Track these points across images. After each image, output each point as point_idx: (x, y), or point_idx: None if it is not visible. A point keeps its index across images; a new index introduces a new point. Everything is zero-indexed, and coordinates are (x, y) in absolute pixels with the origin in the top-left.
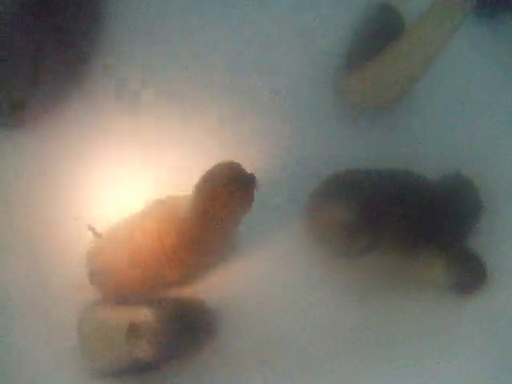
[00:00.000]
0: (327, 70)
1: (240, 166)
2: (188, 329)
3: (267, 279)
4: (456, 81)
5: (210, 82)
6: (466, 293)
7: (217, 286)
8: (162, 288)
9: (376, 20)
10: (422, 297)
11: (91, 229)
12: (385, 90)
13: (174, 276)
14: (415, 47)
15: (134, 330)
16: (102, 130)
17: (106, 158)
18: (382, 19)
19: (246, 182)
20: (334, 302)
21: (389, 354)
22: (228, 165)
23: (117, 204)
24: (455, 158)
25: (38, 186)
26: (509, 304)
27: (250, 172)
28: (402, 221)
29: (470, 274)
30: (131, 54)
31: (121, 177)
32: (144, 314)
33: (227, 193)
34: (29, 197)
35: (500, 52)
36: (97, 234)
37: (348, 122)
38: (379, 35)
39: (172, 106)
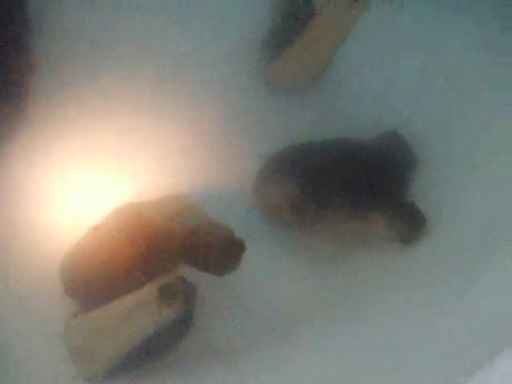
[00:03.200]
0: (250, 56)
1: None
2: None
3: None
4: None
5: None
6: (408, 242)
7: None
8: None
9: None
10: (372, 252)
11: None
12: (304, 72)
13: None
14: (323, 32)
15: (166, 290)
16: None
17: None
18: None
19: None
20: (298, 274)
21: (357, 311)
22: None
23: (84, 211)
24: (387, 120)
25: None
26: (449, 249)
27: (240, 239)
28: (343, 185)
29: (408, 224)
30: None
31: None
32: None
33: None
34: None
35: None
36: None
37: (278, 103)
38: (291, 19)
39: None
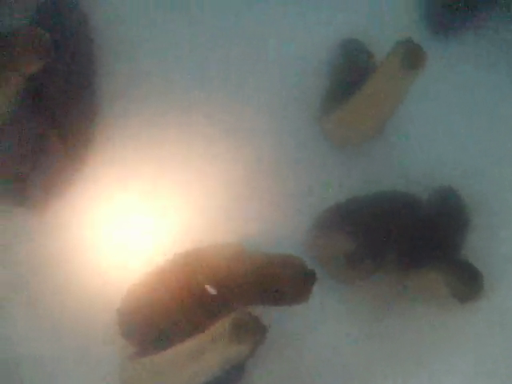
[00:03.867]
0: (309, 107)
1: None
2: None
3: None
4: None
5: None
6: (466, 300)
7: None
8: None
9: (346, 58)
10: (427, 310)
11: None
12: (361, 128)
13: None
14: (381, 91)
15: (241, 325)
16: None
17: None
18: (351, 57)
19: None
20: (345, 325)
21: (402, 368)
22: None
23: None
24: (441, 174)
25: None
26: (507, 303)
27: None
28: (398, 241)
29: (466, 282)
30: None
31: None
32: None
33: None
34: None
35: (468, 69)
36: None
37: (334, 156)
38: (350, 74)
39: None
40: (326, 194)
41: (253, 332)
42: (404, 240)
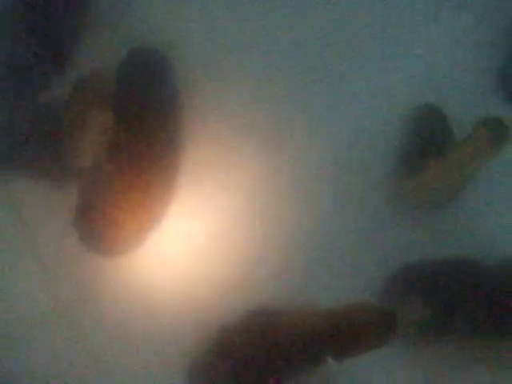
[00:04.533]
0: (381, 168)
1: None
2: None
3: None
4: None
5: None
6: None
7: None
8: None
9: (422, 121)
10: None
11: None
12: (438, 193)
13: None
14: (464, 161)
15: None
16: None
17: None
18: (428, 122)
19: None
20: None
21: None
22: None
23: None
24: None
25: None
26: None
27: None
28: (469, 307)
29: None
30: None
31: None
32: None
33: None
34: None
35: None
36: None
37: (409, 219)
38: (426, 137)
39: None
40: (397, 256)
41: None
42: (475, 307)
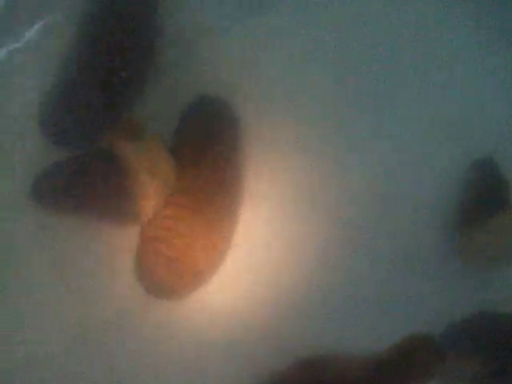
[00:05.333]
0: (439, 222)
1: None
2: None
3: None
4: None
5: None
6: None
7: None
8: None
9: (482, 176)
10: None
11: None
12: (497, 252)
13: None
14: None
15: None
16: None
17: None
18: (486, 176)
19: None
20: None
21: None
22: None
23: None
24: None
25: None
26: None
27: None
28: None
29: None
30: None
31: None
32: None
33: None
34: None
35: None
36: None
37: (464, 277)
38: (486, 192)
39: None
40: (454, 310)
41: None
42: None
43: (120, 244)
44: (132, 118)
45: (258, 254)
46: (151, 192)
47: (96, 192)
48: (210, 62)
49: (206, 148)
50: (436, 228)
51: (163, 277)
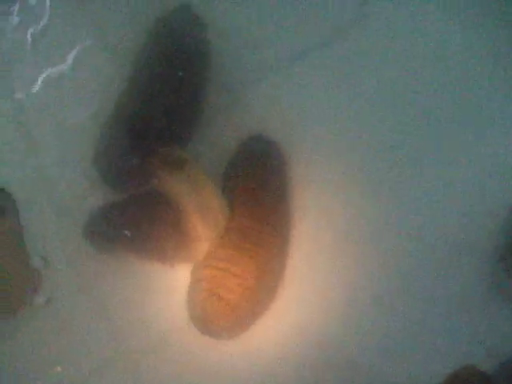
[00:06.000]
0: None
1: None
2: None
3: None
4: None
5: None
6: None
7: None
8: None
9: None
10: None
11: None
12: None
13: None
14: None
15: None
16: None
17: None
18: None
19: None
20: None
21: None
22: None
23: None
24: None
25: None
26: None
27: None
28: None
29: None
30: None
31: None
32: None
33: None
34: None
35: None
36: None
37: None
38: None
39: None
40: (497, 347)
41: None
42: None
43: (169, 283)
44: (185, 159)
45: (307, 293)
46: (203, 233)
47: (148, 233)
48: (257, 105)
49: (255, 187)
50: (489, 271)
51: (216, 317)
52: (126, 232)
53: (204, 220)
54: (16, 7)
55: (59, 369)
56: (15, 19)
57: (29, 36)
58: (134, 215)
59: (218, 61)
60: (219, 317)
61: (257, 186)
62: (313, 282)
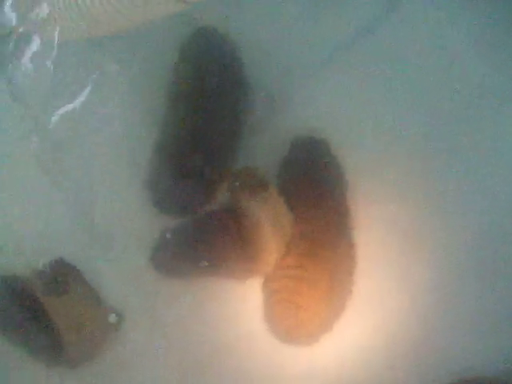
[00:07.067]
0: None
1: None
2: None
3: None
4: None
5: None
6: None
7: None
8: None
9: None
10: None
11: None
12: None
13: None
14: None
15: None
16: None
17: None
18: None
19: None
20: None
21: None
22: None
23: None
24: None
25: None
26: None
27: None
28: None
29: None
30: None
31: None
32: None
33: None
34: None
35: None
36: None
37: None
38: None
39: None
40: None
41: None
42: None
43: (242, 296)
44: (254, 172)
45: (375, 299)
46: (273, 245)
47: (218, 252)
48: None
49: (312, 189)
50: None
51: (298, 326)
52: (196, 256)
53: (274, 232)
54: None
55: None
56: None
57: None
58: (201, 237)
59: (250, 73)
60: (301, 325)
61: (313, 187)
62: (383, 283)
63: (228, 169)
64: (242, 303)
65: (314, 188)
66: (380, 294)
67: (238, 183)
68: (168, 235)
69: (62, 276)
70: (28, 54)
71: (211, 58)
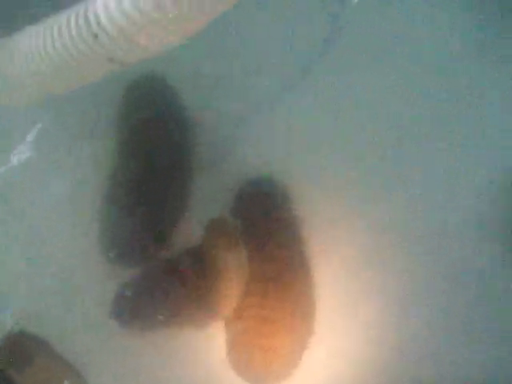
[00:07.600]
0: None
1: None
2: None
3: None
4: None
5: None
6: None
7: None
8: None
9: None
10: None
11: None
12: None
13: None
14: None
15: None
16: None
17: None
18: None
19: None
20: None
21: None
22: None
23: None
24: None
25: None
26: None
27: None
28: None
29: None
30: None
31: None
32: None
33: None
34: None
35: None
36: None
37: None
38: None
39: None
40: None
41: None
42: None
43: (206, 340)
44: (225, 220)
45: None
46: (234, 289)
47: (176, 303)
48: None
49: (266, 229)
50: None
51: (260, 365)
52: (154, 309)
53: (233, 276)
54: None
55: None
56: None
57: None
58: (158, 290)
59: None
60: (268, 365)
61: (266, 227)
62: (344, 302)
63: (178, 216)
64: (206, 347)
65: (267, 229)
66: (343, 320)
67: (209, 235)
68: (126, 291)
69: (22, 350)
70: None
71: (151, 106)
